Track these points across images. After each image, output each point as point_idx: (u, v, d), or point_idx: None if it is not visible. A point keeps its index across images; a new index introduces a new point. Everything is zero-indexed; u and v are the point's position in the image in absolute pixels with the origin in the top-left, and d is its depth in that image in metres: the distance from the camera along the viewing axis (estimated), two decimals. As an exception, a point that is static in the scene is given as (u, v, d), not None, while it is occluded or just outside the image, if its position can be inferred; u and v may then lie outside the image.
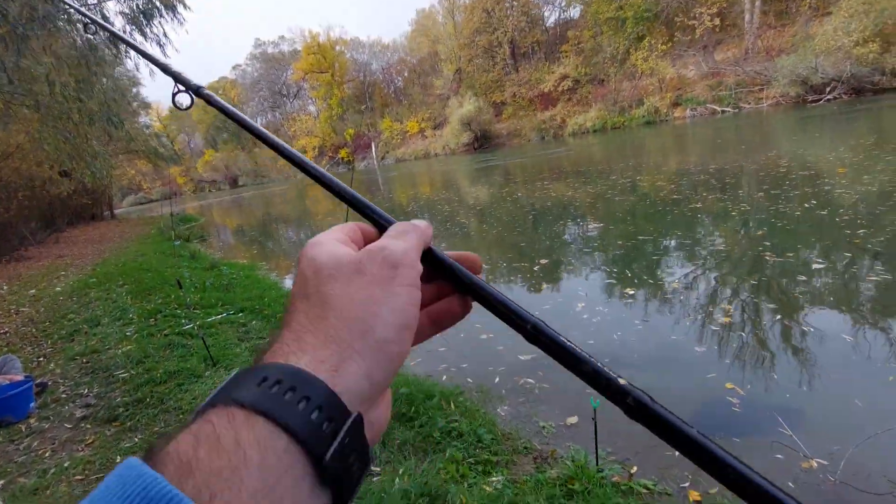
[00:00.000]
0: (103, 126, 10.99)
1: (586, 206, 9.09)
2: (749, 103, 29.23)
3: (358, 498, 2.23)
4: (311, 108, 68.12)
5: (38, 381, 3.71)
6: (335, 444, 0.23)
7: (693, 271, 4.92)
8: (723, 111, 29.71)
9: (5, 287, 8.40)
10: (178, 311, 5.23)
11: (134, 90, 23.81)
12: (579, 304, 4.51)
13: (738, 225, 6.21)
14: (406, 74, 59.26)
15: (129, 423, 3.07)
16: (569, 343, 0.30)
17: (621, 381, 0.29)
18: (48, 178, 13.88)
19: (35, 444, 2.93)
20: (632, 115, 34.20)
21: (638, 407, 0.28)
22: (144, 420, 3.13)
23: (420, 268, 0.32)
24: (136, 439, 2.91)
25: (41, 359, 4.40)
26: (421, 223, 0.35)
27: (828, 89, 24.27)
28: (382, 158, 53.50)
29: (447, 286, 0.35)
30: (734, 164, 10.84)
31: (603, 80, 37.63)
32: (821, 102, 24.01)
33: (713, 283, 4.60)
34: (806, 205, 6.37)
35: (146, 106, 24.05)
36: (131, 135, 19.88)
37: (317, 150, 60.46)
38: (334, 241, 0.33)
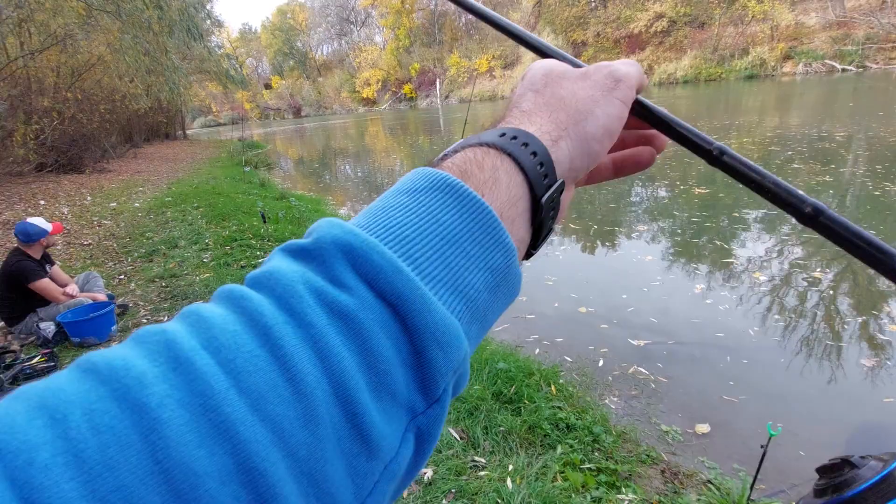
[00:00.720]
0: (183, 38, 10.78)
1: (696, 174, 8.11)
2: (877, 62, 25.27)
3: (472, 495, 1.94)
4: (378, 39, 66.27)
5: (119, 302, 3.67)
6: (548, 193, 0.30)
7: (839, 266, 4.15)
8: (843, 69, 25.92)
9: (89, 198, 8.75)
10: (253, 242, 5.11)
11: (208, 6, 23.58)
12: (697, 286, 3.92)
13: (885, 209, 5.21)
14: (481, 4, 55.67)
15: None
16: (751, 162, 0.33)
17: (800, 192, 0.31)
18: (128, 93, 14.24)
19: (118, 372, 2.86)
20: (732, 66, 30.62)
21: (815, 213, 0.30)
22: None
23: (634, 95, 0.35)
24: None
25: (122, 276, 4.42)
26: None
27: None
28: (446, 97, 51.79)
29: (633, 139, 0.39)
30: (870, 135, 9.26)
31: (704, 24, 33.61)
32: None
33: (871, 283, 3.83)
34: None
35: (219, 24, 23.61)
36: (209, 50, 19.82)
37: (380, 83, 59.35)
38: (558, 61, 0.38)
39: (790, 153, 8.28)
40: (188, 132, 37.16)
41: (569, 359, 3.23)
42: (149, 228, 6.17)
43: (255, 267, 4.24)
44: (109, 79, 13.49)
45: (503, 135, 0.30)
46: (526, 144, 0.29)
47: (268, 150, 21.88)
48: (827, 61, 26.91)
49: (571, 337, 3.48)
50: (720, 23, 32.22)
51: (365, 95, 61.09)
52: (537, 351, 3.35)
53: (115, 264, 4.83)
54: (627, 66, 0.35)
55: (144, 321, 3.49)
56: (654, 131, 0.38)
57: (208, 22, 21.76)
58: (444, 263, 0.24)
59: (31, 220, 3.37)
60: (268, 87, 75.38)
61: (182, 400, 0.17)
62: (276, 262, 0.23)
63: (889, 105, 13.06)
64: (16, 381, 2.84)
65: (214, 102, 64.32)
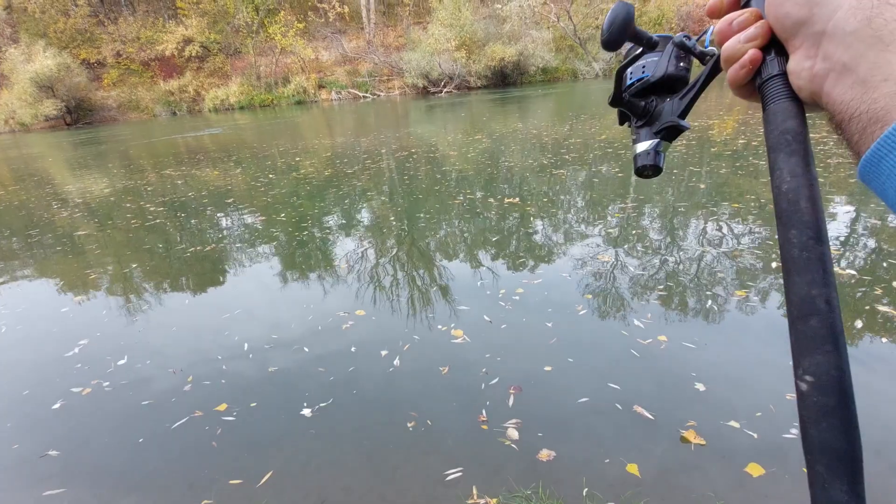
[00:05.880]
0: None
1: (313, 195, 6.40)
2: (382, 91, 31.51)
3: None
4: None
5: None
6: None
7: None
8: (363, 96, 30.92)
9: None
10: None
11: None
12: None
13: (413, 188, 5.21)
14: None
15: None
16: None
17: None
18: None
19: None
20: (280, 93, 31.21)
21: None
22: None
23: None
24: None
25: None
26: None
27: (443, 83, 28.65)
28: None
29: None
30: (396, 144, 10.38)
31: (239, 51, 32.53)
32: (442, 94, 28.17)
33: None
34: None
35: None
36: None
37: None
38: None
39: (354, 164, 8.29)
40: None
41: None
42: None
43: None
44: None
45: None
46: None
47: None
48: (350, 90, 31.40)
49: None
50: (254, 52, 32.06)
51: None
52: None
53: None
54: None
55: None
56: None
57: None
58: None
59: None
60: None
61: None
62: None
63: (392, 122, 15.97)
64: None
65: None
